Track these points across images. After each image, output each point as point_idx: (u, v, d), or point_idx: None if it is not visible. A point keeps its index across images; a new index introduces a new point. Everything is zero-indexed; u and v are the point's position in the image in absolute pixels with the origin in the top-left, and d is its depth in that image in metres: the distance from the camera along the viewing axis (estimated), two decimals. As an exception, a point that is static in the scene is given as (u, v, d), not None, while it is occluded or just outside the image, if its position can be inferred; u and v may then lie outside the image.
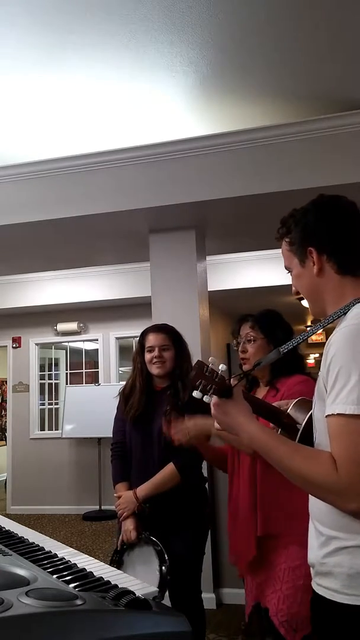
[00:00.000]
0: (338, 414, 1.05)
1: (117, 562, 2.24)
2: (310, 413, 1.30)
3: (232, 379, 1.24)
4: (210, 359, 1.24)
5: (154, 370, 2.39)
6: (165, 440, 2.30)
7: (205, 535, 2.39)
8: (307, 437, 1.25)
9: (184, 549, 2.25)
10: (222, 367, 1.22)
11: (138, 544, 2.25)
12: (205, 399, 1.20)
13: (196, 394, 1.20)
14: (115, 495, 2.41)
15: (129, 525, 2.28)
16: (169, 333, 2.45)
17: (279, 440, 1.17)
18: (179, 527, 2.25)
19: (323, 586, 1.16)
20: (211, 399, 1.20)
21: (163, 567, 2.12)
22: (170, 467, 2.27)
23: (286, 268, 1.36)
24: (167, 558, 2.14)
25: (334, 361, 1.09)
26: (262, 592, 1.84)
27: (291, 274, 1.33)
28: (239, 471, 1.94)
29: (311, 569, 1.22)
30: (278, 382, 1.95)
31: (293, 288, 1.34)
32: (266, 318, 2.09)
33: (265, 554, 1.83)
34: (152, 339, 2.42)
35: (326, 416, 1.09)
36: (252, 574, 1.86)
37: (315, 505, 1.19)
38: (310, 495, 1.23)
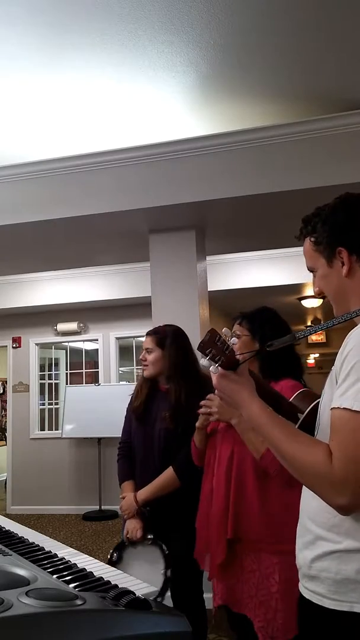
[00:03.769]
0: (344, 408, 1.03)
1: (116, 559, 2.26)
2: (314, 403, 1.28)
3: (239, 355, 1.21)
4: (224, 329, 1.21)
5: (144, 372, 2.46)
6: (165, 440, 2.31)
7: None
8: (308, 426, 1.23)
9: (184, 550, 2.25)
10: (233, 340, 1.20)
11: (142, 543, 2.26)
12: (212, 369, 1.18)
13: (204, 362, 1.17)
14: (120, 496, 2.43)
15: (134, 524, 2.30)
16: (155, 335, 2.46)
17: (279, 422, 1.14)
18: (179, 528, 2.25)
19: (310, 590, 1.14)
20: (217, 370, 1.18)
21: (168, 571, 2.14)
22: (169, 472, 2.28)
23: (309, 269, 1.30)
24: (171, 562, 2.15)
25: (350, 355, 1.07)
26: (232, 597, 1.83)
27: (315, 274, 1.28)
28: (216, 470, 1.92)
29: (299, 570, 1.21)
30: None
31: (316, 288, 1.28)
32: (256, 315, 2.03)
33: (235, 557, 1.82)
34: (143, 342, 2.50)
35: (332, 408, 1.07)
36: (221, 575, 1.85)
37: (309, 501, 1.17)
38: (304, 492, 1.21)
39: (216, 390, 1.23)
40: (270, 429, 1.13)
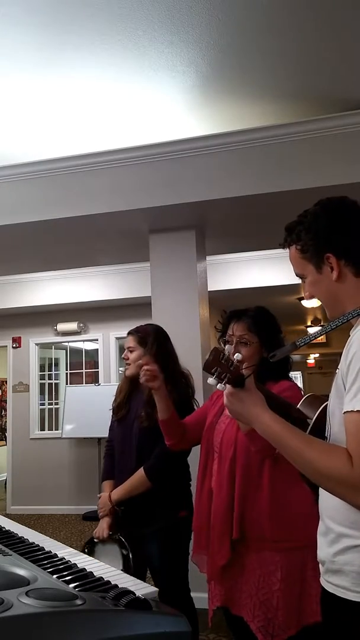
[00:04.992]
0: (357, 411, 1.05)
1: (88, 551, 2.29)
2: (322, 407, 1.30)
3: (244, 369, 1.23)
4: (226, 347, 1.24)
5: (126, 371, 2.46)
6: (141, 439, 2.32)
7: (182, 537, 2.32)
8: (318, 431, 1.25)
9: (156, 551, 2.28)
10: (237, 356, 1.22)
11: (109, 542, 2.29)
12: (219, 386, 1.20)
13: (211, 380, 1.20)
14: (97, 494, 2.47)
15: (104, 525, 2.34)
16: (137, 334, 2.46)
17: (294, 432, 1.16)
18: (152, 528, 2.27)
19: (333, 584, 1.16)
20: (225, 388, 1.20)
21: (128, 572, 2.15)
22: (140, 472, 2.29)
23: (298, 275, 1.32)
24: (131, 565, 2.16)
25: (355, 358, 1.09)
26: (231, 598, 1.81)
27: (304, 281, 1.30)
28: (217, 471, 1.90)
29: (320, 566, 1.24)
30: (265, 386, 1.88)
31: (306, 293, 1.30)
32: (263, 320, 1.97)
33: (236, 556, 1.80)
34: (125, 341, 2.50)
35: (344, 412, 1.09)
36: (221, 577, 1.82)
37: (327, 502, 1.19)
38: (321, 493, 1.23)
39: (226, 409, 1.25)
40: (287, 439, 1.15)
